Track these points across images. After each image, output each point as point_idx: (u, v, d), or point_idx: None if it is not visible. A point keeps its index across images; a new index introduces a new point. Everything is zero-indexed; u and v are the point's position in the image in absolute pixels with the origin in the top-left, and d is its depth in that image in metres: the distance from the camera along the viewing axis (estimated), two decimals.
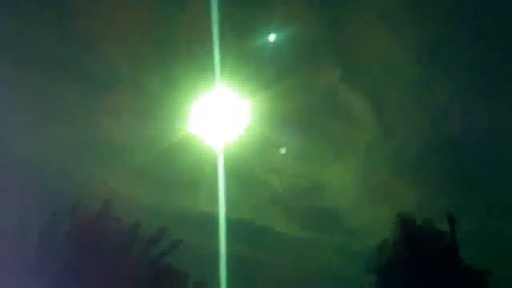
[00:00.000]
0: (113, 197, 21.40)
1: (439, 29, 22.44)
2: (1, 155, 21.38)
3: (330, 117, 23.45)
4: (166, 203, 22.38)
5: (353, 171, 23.23)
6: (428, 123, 23.08)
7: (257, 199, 23.22)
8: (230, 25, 20.91)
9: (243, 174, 22.73)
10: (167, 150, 22.23)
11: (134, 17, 21.87)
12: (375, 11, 22.66)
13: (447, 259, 20.22)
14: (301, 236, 22.87)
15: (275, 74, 22.27)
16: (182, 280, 21.44)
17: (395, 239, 20.87)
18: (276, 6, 22.29)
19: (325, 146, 23.39)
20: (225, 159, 21.95)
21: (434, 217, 20.68)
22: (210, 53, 21.01)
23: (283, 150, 23.17)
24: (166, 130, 22.30)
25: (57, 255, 20.85)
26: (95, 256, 20.63)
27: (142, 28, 21.99)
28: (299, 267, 22.24)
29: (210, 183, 21.77)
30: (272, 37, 22.27)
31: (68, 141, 22.42)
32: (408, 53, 22.70)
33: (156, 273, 21.04)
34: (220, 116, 22.28)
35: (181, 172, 22.39)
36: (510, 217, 20.91)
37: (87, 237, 20.97)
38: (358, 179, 23.08)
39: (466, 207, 20.98)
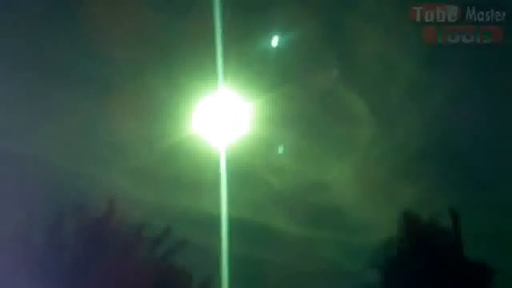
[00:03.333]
0: (117, 197, 21.62)
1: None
2: (5, 154, 21.47)
3: (330, 118, 23.72)
4: (169, 203, 22.52)
5: (354, 169, 23.47)
6: (427, 121, 23.38)
7: (260, 198, 23.38)
8: (233, 28, 21.10)
9: (245, 174, 22.91)
10: (170, 151, 22.43)
11: (138, 20, 22.04)
12: (371, 12, 23.02)
13: (451, 256, 20.63)
14: (304, 234, 23.07)
15: (277, 76, 22.60)
16: (186, 280, 21.66)
17: (399, 236, 21.29)
18: (279, 9, 22.61)
19: (326, 145, 23.65)
20: (227, 160, 22.22)
21: (438, 215, 21.18)
22: (213, 55, 21.31)
23: (283, 150, 23.47)
24: (169, 131, 22.49)
25: (62, 255, 21.00)
26: (100, 256, 20.80)
27: (146, 31, 22.16)
28: (302, 265, 22.47)
29: (213, 183, 22.02)
30: (275, 40, 22.69)
31: (72, 141, 22.52)
32: (406, 54, 23.04)
33: (161, 273, 21.24)
34: (222, 118, 22.53)
35: (184, 173, 22.55)
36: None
37: (92, 238, 21.13)
38: (359, 177, 23.31)
39: (469, 205, 21.34)
